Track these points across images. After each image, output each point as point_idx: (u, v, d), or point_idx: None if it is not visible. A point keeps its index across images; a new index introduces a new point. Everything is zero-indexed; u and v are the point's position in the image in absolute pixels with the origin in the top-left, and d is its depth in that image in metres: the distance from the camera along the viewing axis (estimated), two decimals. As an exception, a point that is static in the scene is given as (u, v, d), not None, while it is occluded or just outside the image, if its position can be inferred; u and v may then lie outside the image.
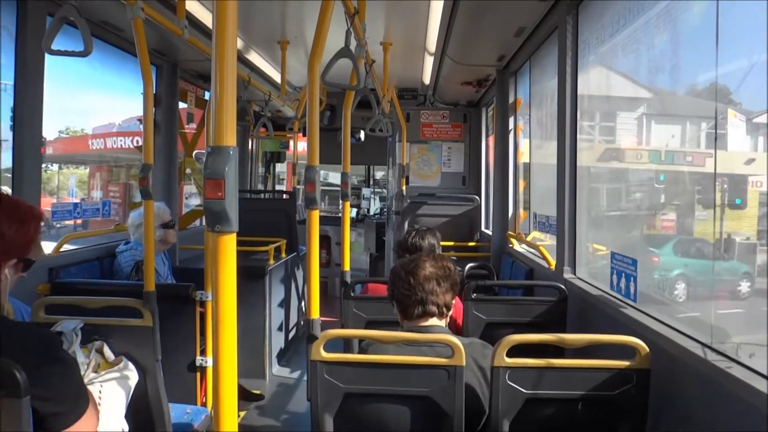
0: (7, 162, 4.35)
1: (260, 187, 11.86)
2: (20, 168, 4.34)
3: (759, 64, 2.46)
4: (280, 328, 7.28)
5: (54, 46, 3.60)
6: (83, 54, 3.58)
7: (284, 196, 11.69)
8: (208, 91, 7.82)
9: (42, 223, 2.57)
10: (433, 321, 3.16)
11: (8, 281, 2.45)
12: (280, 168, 14.37)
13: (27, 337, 2.32)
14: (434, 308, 3.15)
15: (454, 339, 2.81)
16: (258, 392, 6.32)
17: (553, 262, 4.80)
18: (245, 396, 6.08)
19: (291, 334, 7.93)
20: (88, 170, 16.94)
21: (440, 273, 3.20)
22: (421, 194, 8.74)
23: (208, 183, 1.83)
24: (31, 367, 2.09)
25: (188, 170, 8.04)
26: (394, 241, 7.91)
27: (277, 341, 7.16)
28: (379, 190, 14.17)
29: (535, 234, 6.06)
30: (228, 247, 1.87)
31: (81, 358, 3.16)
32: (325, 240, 10.92)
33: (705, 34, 2.79)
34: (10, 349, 2.13)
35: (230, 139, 1.83)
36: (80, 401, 2.35)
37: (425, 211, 8.30)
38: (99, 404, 3.07)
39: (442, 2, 5.25)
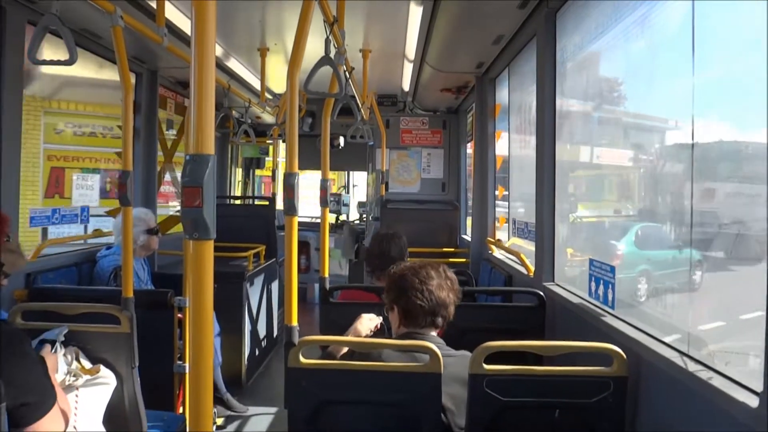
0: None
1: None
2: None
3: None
4: (258, 335, 7.26)
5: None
6: (68, 63, 3.57)
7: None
8: (188, 97, 7.81)
9: (7, 228, 2.54)
10: (433, 331, 3.17)
11: None
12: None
13: None
14: (440, 320, 3.17)
15: (432, 346, 2.82)
16: (234, 399, 6.30)
17: (532, 269, 4.82)
18: (222, 403, 6.06)
19: (269, 341, 7.91)
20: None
21: (449, 285, 3.22)
22: (401, 200, 8.76)
23: (186, 191, 1.83)
24: None
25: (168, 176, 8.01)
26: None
27: (254, 348, 7.14)
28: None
29: (514, 240, 6.08)
30: (205, 253, 1.87)
31: (62, 366, 3.15)
32: (304, 246, 10.91)
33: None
34: None
35: (209, 147, 1.83)
36: (46, 397, 2.34)
37: (405, 217, 8.31)
38: (76, 410, 3.06)
39: (421, 10, 5.27)
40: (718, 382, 2.30)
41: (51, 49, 3.93)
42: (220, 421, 5.90)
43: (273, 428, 5.87)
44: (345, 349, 3.30)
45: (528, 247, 5.25)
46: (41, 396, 2.33)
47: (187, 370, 4.42)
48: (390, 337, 3.36)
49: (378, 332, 3.61)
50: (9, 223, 2.59)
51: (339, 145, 10.55)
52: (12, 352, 2.27)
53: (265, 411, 6.30)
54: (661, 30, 3.27)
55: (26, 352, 2.36)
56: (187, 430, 4.13)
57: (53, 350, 3.14)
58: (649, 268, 3.41)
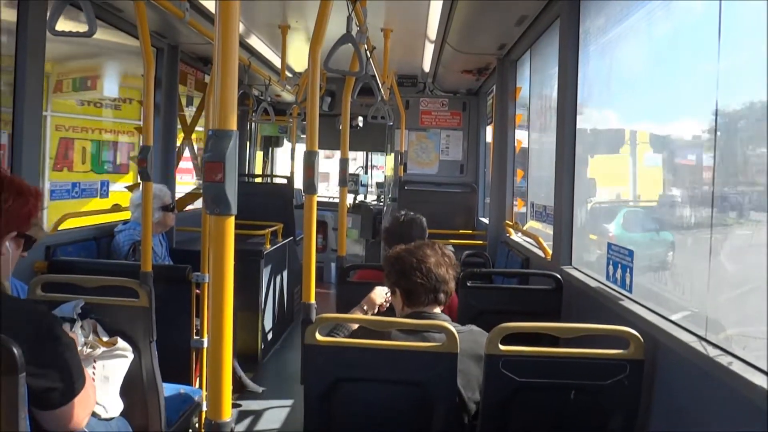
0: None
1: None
2: (19, 147, 4.33)
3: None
4: (274, 313, 7.29)
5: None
6: (87, 34, 3.58)
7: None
8: (208, 74, 7.81)
9: (40, 201, 2.57)
10: (437, 308, 3.20)
11: (9, 256, 2.45)
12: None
13: (22, 313, 2.33)
14: (443, 296, 3.21)
15: (449, 326, 2.83)
16: (250, 376, 6.33)
17: (550, 252, 4.81)
18: (238, 382, 6.08)
19: (285, 319, 7.94)
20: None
21: (447, 261, 3.25)
22: (419, 182, 8.76)
23: (207, 166, 1.83)
24: (23, 342, 2.10)
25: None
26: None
27: (271, 325, 7.17)
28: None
29: (531, 223, 6.07)
30: (226, 229, 1.88)
31: (80, 338, 3.17)
32: (321, 225, 10.91)
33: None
34: (6, 324, 2.13)
35: (231, 123, 1.84)
36: (75, 381, 2.35)
37: (422, 199, 8.30)
38: (93, 381, 3.09)
39: (444, -10, 5.25)
40: (734, 365, 2.29)
41: (73, 21, 3.94)
42: (235, 396, 5.92)
43: (288, 406, 5.90)
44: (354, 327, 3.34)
45: (547, 230, 5.24)
46: (70, 380, 2.34)
47: (204, 345, 4.45)
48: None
49: (390, 308, 3.63)
50: (42, 198, 2.63)
51: (358, 125, 10.54)
52: (44, 336, 2.29)
53: (282, 387, 6.34)
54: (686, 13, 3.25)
55: (58, 335, 2.37)
56: (204, 403, 4.18)
57: (72, 329, 3.16)
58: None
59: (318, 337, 2.83)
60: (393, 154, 9.50)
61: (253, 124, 10.97)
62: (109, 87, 7.11)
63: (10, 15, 4.32)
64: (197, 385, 4.54)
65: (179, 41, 6.84)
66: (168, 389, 3.85)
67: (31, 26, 4.31)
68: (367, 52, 4.88)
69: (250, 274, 6.54)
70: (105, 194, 5.82)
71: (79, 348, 3.12)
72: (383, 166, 14.58)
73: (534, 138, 6.27)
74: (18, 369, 2.04)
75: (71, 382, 2.34)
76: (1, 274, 2.46)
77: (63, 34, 3.66)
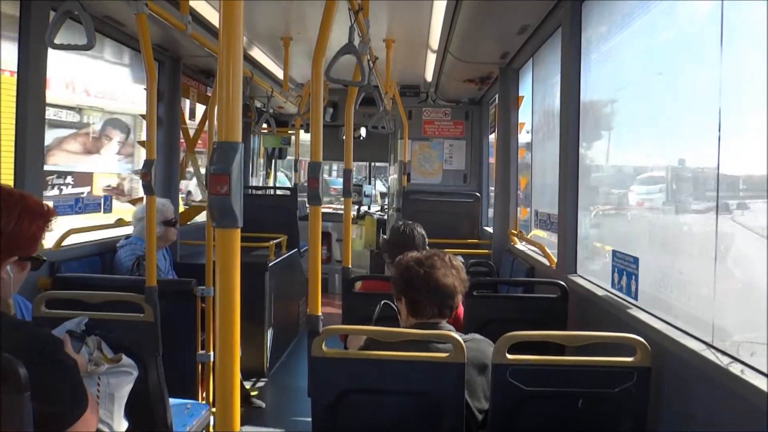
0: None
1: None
2: (22, 161, 4.33)
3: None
4: (279, 325, 7.27)
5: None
6: (86, 48, 3.58)
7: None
8: (211, 86, 7.82)
9: (50, 221, 2.51)
10: (442, 320, 3.18)
11: (10, 279, 2.39)
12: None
13: (25, 336, 2.30)
14: (448, 311, 3.17)
15: (456, 336, 2.82)
16: (255, 393, 6.30)
17: (555, 260, 4.80)
18: (245, 398, 6.05)
19: (291, 331, 7.92)
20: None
21: (455, 273, 3.21)
22: (423, 191, 8.75)
23: (213, 179, 1.82)
24: (27, 366, 2.07)
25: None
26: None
27: (276, 338, 7.15)
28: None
29: (535, 232, 6.06)
30: (232, 242, 1.87)
31: (86, 356, 3.16)
32: (325, 236, 10.90)
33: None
34: (8, 346, 2.11)
35: (236, 135, 1.83)
36: (78, 404, 2.33)
37: (426, 208, 8.28)
38: (98, 399, 3.07)
39: (446, 0, 5.25)
40: (742, 372, 2.28)
41: (73, 34, 3.94)
42: (242, 409, 5.89)
43: (297, 416, 5.88)
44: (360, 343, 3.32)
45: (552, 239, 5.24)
46: (72, 404, 2.32)
47: (211, 359, 4.44)
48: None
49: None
50: (52, 216, 2.55)
51: (361, 135, 10.55)
52: (47, 361, 2.26)
53: (289, 399, 6.33)
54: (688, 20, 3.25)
55: (60, 359, 2.34)
56: (212, 418, 4.17)
57: (80, 350, 3.14)
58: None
59: (325, 349, 2.83)
60: (396, 165, 9.51)
61: (255, 135, 10.98)
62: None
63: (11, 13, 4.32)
64: (203, 400, 4.52)
65: (181, 54, 6.84)
66: (174, 404, 3.84)
67: (33, 40, 4.31)
68: (370, 62, 4.87)
69: (255, 286, 6.53)
70: (108, 209, 5.81)
71: (84, 366, 3.11)
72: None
73: (537, 146, 6.27)
74: (23, 388, 2.02)
75: (73, 406, 2.32)
76: (1, 296, 2.41)
77: (62, 47, 3.66)
